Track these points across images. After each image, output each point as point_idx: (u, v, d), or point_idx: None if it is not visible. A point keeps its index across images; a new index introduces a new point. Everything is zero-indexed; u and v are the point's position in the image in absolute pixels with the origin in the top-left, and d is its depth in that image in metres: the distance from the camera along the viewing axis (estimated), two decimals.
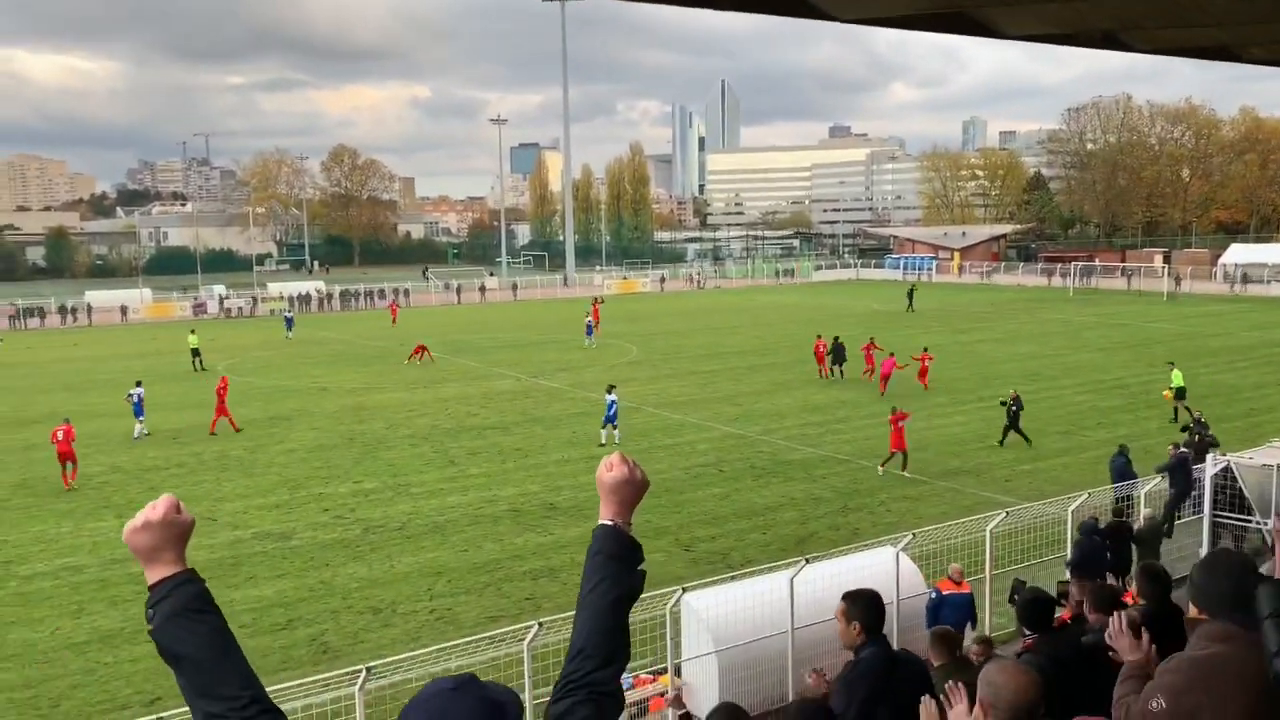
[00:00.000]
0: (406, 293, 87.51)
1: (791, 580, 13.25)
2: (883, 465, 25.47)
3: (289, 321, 61.18)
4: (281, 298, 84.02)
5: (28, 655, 15.66)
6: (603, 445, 28.72)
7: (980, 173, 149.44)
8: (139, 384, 32.43)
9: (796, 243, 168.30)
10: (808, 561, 13.85)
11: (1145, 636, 4.00)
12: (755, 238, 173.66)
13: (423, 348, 47.75)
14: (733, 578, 15.12)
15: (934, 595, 13.46)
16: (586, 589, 2.37)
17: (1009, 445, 27.84)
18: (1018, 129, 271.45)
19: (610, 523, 2.44)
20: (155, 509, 2.16)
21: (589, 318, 53.90)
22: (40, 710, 13.90)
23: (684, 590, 12.83)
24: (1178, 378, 31.68)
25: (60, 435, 25.85)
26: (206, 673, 2.06)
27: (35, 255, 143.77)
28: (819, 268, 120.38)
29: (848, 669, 5.01)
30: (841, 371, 40.43)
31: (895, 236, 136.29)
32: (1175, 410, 30.60)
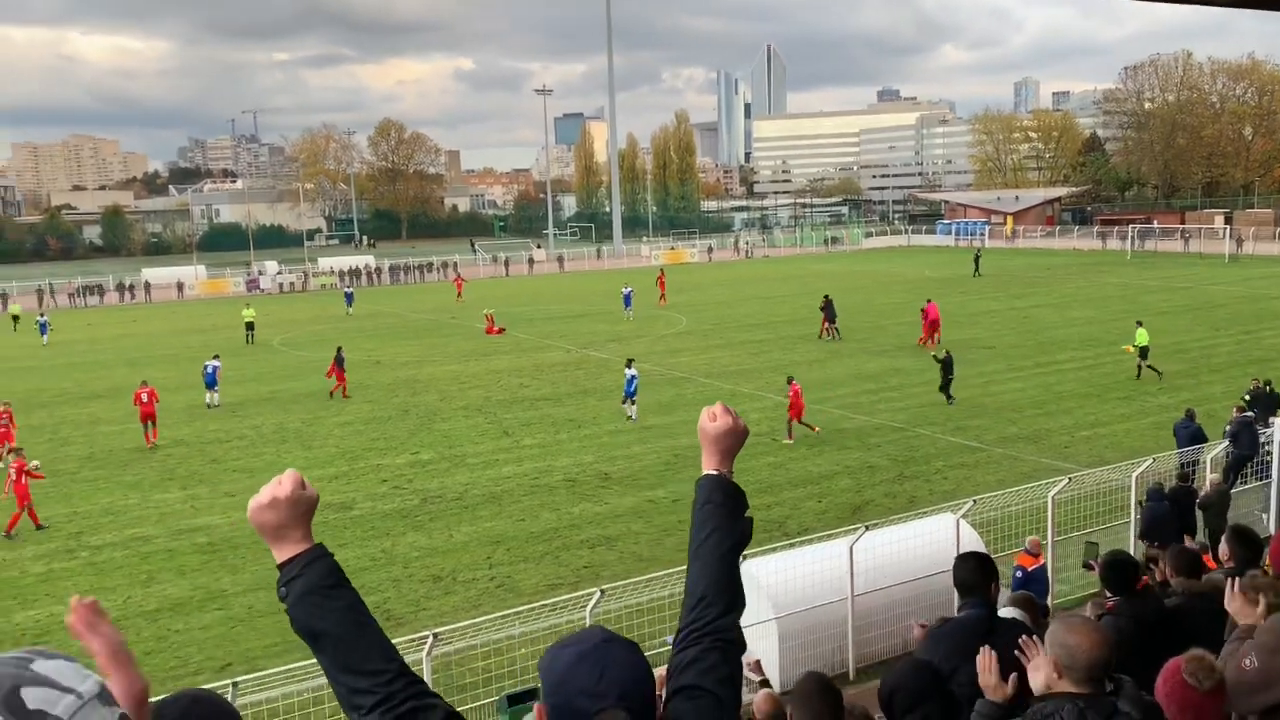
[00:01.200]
0: (455, 266, 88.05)
1: (851, 547, 13.20)
2: (790, 437, 25.65)
3: (349, 297, 61.06)
4: (332, 272, 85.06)
5: None
6: (630, 420, 28.23)
7: (1033, 135, 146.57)
8: (216, 357, 33.31)
9: (845, 210, 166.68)
10: (866, 529, 13.79)
11: (1262, 600, 3.98)
12: (803, 205, 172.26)
13: (492, 321, 48.01)
14: (790, 545, 15.11)
15: (1019, 574, 13.28)
16: (700, 539, 2.38)
17: (1067, 409, 27.43)
18: (1072, 89, 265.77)
19: (716, 472, 2.45)
20: (282, 485, 2.11)
21: (627, 289, 53.00)
22: None
23: (743, 557, 12.82)
24: (1142, 336, 31.66)
25: (145, 397, 27.49)
26: (348, 648, 2.06)
27: (92, 234, 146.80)
28: (868, 235, 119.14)
29: (939, 623, 4.96)
30: (836, 331, 41.43)
31: (946, 202, 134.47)
32: (1139, 368, 31.43)
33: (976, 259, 70.08)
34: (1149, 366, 30.99)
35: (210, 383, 32.36)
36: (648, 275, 77.71)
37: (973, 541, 14.11)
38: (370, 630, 2.09)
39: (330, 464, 25.23)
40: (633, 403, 28.60)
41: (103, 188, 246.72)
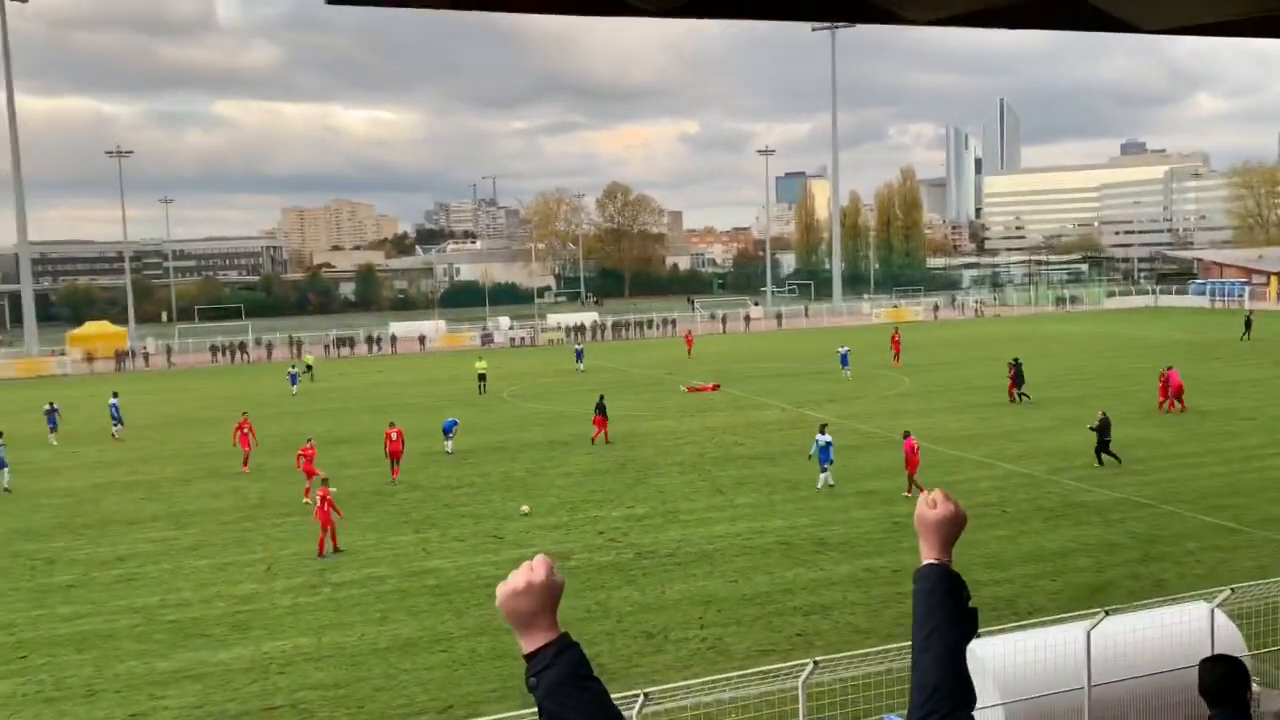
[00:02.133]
0: (674, 322, 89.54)
1: (1088, 633, 12.23)
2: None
3: (579, 354, 62.61)
4: (559, 328, 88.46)
5: (339, 657, 17.13)
6: (832, 485, 26.85)
7: None
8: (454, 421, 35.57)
9: (1084, 267, 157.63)
10: (1106, 614, 12.74)
11: None
12: (1038, 263, 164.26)
13: (714, 386, 48.48)
14: (1020, 626, 14.18)
15: None
16: (925, 631, 2.33)
17: None
18: None
19: (937, 562, 2.39)
20: (535, 571, 2.09)
21: (843, 349, 52.18)
22: (349, 709, 15.14)
23: None
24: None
25: (394, 436, 30.65)
26: None
27: (347, 290, 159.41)
28: (1110, 294, 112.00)
29: None
30: (1026, 396, 40.22)
31: (1200, 260, 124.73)
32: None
33: (1247, 321, 64.59)
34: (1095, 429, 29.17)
35: (447, 431, 34.51)
36: (868, 334, 76.20)
37: (1230, 635, 12.77)
38: None
39: (551, 514, 25.97)
40: (824, 469, 27.01)
41: (357, 248, 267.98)
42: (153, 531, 25.74)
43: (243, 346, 79.95)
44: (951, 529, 2.40)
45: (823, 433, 27.48)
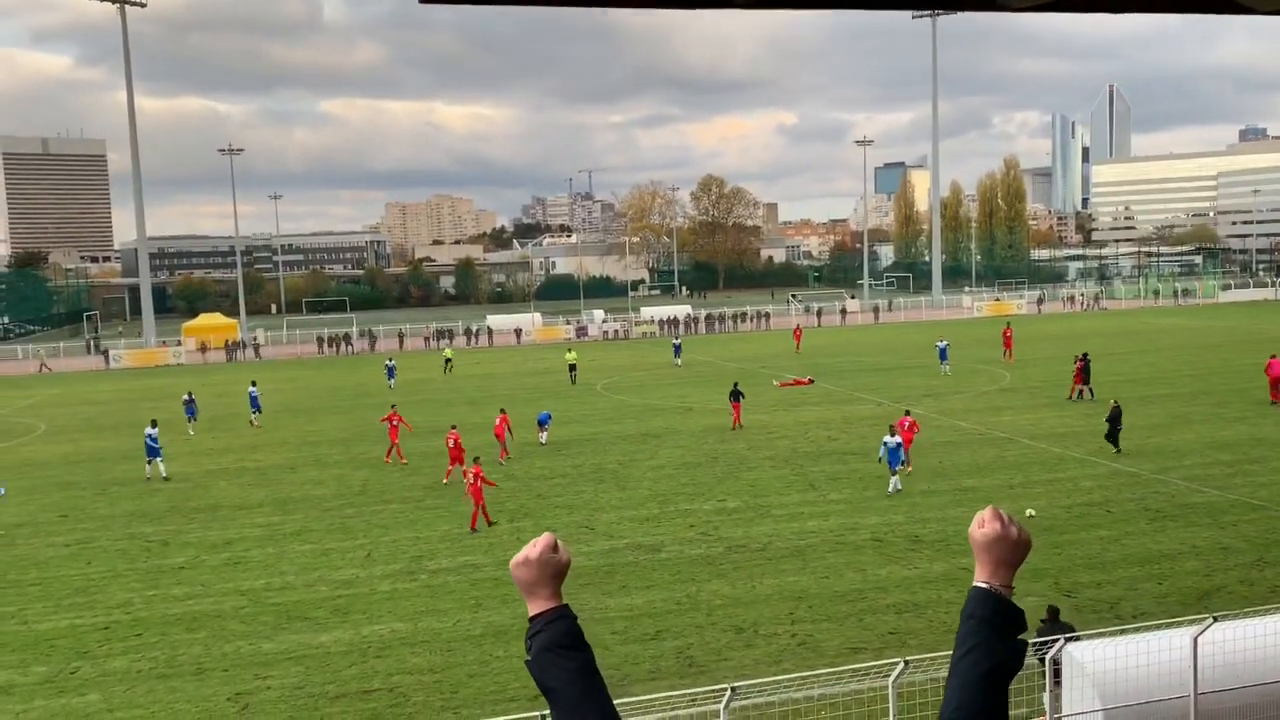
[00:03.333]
0: (767, 316, 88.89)
1: (1195, 639, 11.76)
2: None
3: (677, 349, 60.22)
4: (653, 321, 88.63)
5: (435, 642, 17.53)
6: (898, 490, 25.86)
7: None
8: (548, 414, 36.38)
9: (1198, 259, 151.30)
10: (1215, 619, 12.23)
11: None
12: (1148, 254, 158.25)
13: (808, 380, 48.17)
14: (1122, 630, 13.72)
15: None
16: (958, 654, 2.19)
17: None
18: None
19: (985, 585, 2.23)
20: (535, 546, 2.31)
21: (942, 342, 51.05)
22: (444, 694, 15.49)
23: (1066, 639, 11.80)
24: None
25: (452, 442, 29.77)
26: (572, 708, 2.17)
27: (447, 283, 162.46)
28: (1226, 287, 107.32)
29: None
30: (1090, 391, 39.22)
31: None
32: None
33: None
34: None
35: (543, 421, 35.19)
36: (968, 327, 74.48)
37: None
38: (595, 695, 2.18)
39: (642, 505, 26.09)
40: (895, 471, 26.09)
41: (457, 242, 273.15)
42: (259, 517, 26.69)
43: (347, 338, 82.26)
44: (1001, 550, 2.23)
45: (892, 434, 26.54)
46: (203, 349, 79.38)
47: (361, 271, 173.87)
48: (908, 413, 30.18)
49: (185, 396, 42.53)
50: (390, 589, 20.47)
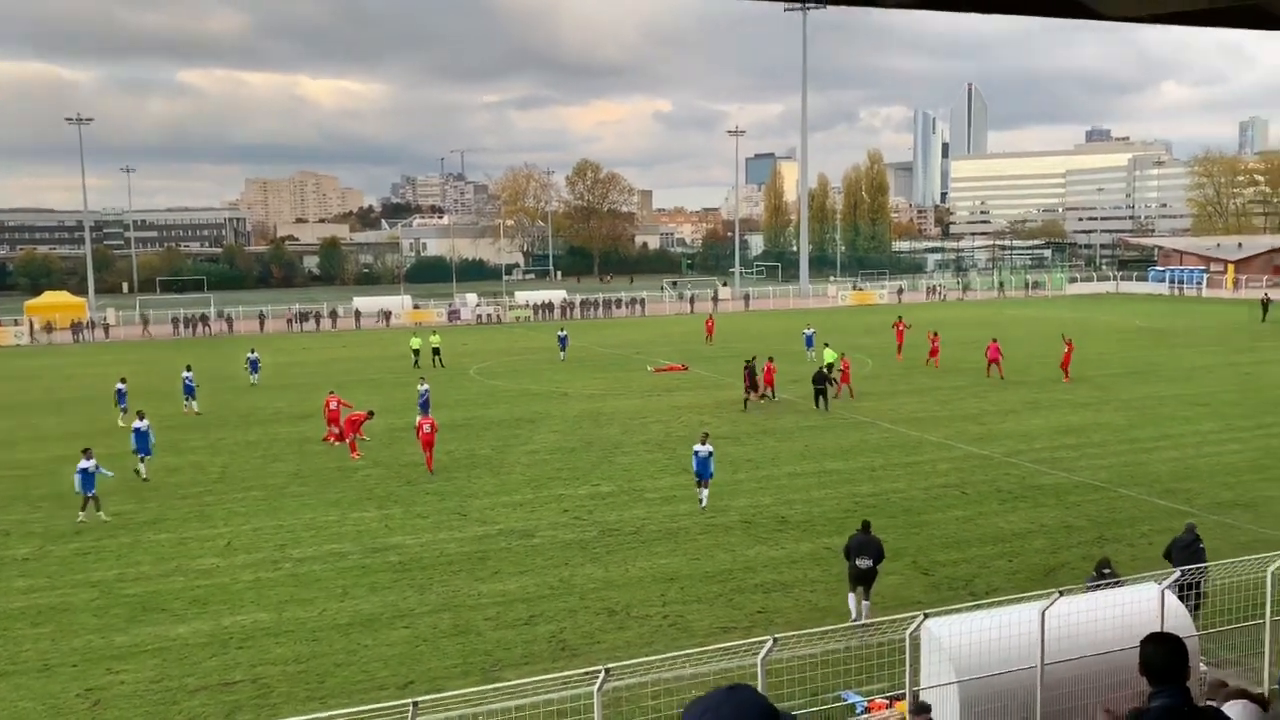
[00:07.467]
0: (642, 302, 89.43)
1: (1043, 613, 12.45)
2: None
3: (562, 341, 54.95)
4: (527, 305, 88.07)
5: (300, 632, 17.08)
6: (702, 508, 23.54)
7: (1260, 178, 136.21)
8: (422, 380, 37.84)
9: (1048, 253, 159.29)
10: (1060, 594, 12.98)
11: None
12: (1002, 248, 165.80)
13: (682, 366, 48.98)
14: (976, 606, 14.41)
15: None
16: None
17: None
18: None
19: None
20: None
21: (809, 330, 52.70)
22: (309, 684, 15.11)
23: (925, 615, 12.33)
24: (830, 355, 41.64)
25: (333, 405, 32.38)
26: None
27: (311, 264, 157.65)
28: (1073, 280, 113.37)
29: (1131, 716, 4.60)
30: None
31: (1160, 247, 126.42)
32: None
33: (1264, 305, 68.30)
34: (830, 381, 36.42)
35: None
36: (832, 315, 76.59)
37: (1179, 616, 13.07)
38: None
39: (516, 491, 25.97)
40: (703, 485, 23.61)
41: (322, 220, 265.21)
42: (112, 505, 25.40)
43: (204, 319, 79.04)
44: None
45: (704, 443, 23.71)
46: (48, 328, 75.02)
47: (220, 250, 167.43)
48: (771, 359, 39.07)
49: (119, 385, 38.23)
50: (253, 578, 19.83)
